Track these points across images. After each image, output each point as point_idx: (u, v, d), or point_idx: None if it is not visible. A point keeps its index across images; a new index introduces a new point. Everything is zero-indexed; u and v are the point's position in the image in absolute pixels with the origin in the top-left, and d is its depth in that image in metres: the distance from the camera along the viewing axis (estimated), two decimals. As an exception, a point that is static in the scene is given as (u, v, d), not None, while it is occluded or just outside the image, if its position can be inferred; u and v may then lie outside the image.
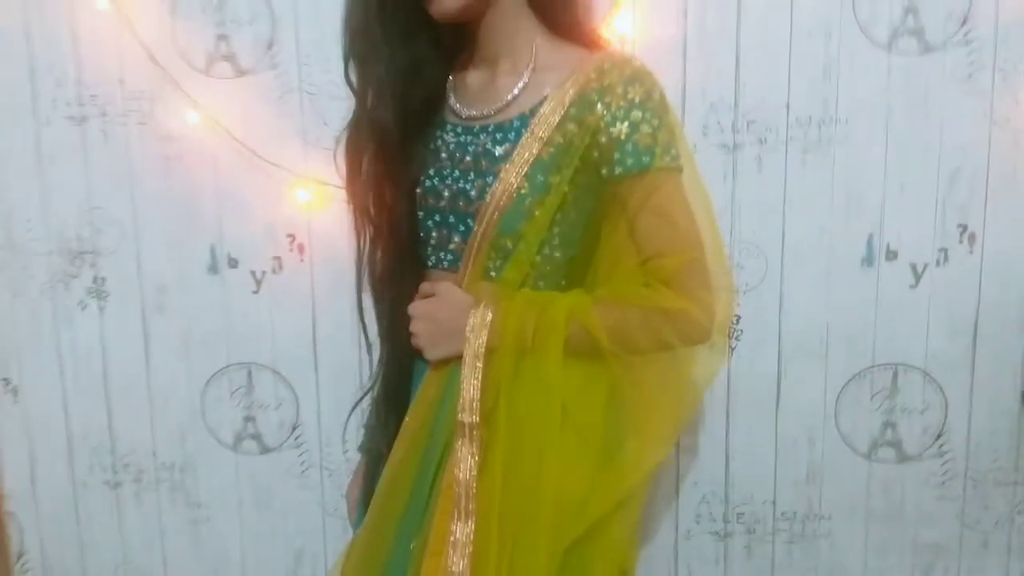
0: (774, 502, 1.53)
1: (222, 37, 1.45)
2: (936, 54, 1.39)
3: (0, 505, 1.65)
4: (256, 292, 1.53)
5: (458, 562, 1.00)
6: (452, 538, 1.01)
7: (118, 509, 1.63)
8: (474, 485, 1.01)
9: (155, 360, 1.57)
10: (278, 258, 1.51)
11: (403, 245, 1.13)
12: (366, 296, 1.18)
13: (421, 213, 1.12)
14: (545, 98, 1.03)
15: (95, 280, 1.54)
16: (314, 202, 1.45)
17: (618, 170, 1.00)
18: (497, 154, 1.04)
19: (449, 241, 1.09)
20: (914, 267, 1.45)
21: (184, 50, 1.45)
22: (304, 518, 1.59)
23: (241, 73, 1.45)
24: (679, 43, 1.40)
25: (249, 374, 1.56)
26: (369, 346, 1.21)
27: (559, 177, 1.02)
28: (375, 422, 1.23)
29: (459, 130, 1.10)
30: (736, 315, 1.48)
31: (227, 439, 1.59)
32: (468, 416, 1.01)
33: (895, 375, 1.49)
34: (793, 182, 1.44)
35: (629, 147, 0.99)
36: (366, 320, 1.19)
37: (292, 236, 1.50)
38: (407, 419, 1.11)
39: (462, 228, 1.07)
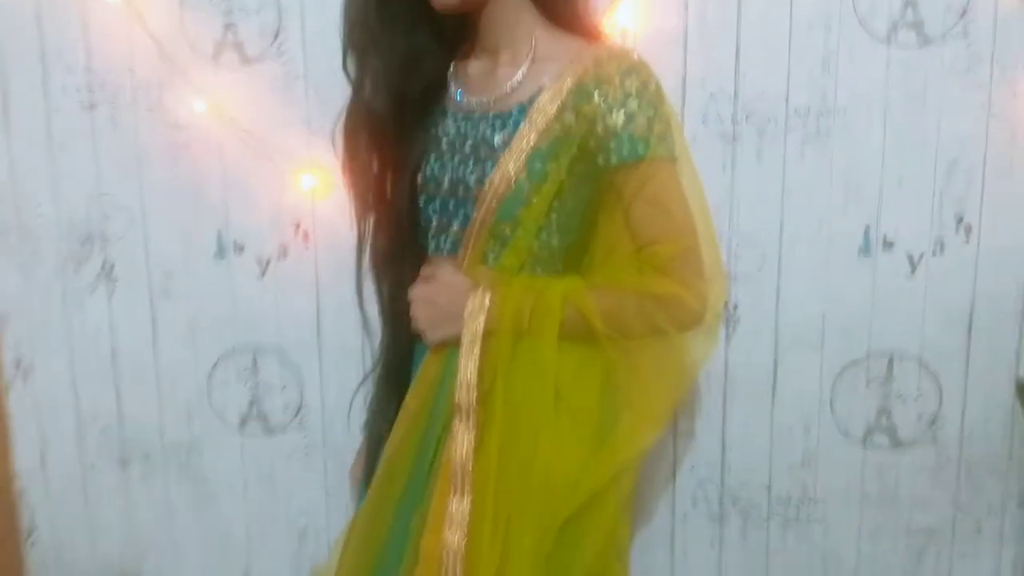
0: (769, 487, 1.56)
1: (229, 26, 1.47)
2: (935, 47, 1.40)
3: (11, 483, 1.69)
4: (261, 277, 1.55)
5: (454, 537, 1.03)
6: (448, 514, 1.04)
7: (126, 488, 1.66)
8: (470, 463, 1.04)
9: (163, 343, 1.60)
10: (283, 244, 1.54)
11: (403, 231, 1.16)
12: (367, 281, 1.21)
13: (422, 200, 1.14)
14: (543, 88, 1.05)
15: (104, 264, 1.57)
16: (319, 189, 1.48)
17: (614, 159, 1.02)
18: (496, 142, 1.07)
19: (449, 227, 1.12)
20: (911, 257, 1.47)
21: (192, 39, 1.47)
22: (308, 498, 1.63)
23: (248, 62, 1.48)
24: (680, 35, 1.42)
25: (254, 357, 1.59)
26: (369, 330, 1.23)
27: (556, 165, 1.04)
28: (376, 403, 1.25)
29: (459, 118, 1.12)
30: (734, 303, 1.50)
31: (233, 420, 1.62)
32: (465, 397, 1.04)
33: (890, 363, 1.51)
34: (792, 173, 1.46)
35: (625, 137, 1.01)
36: (366, 305, 1.22)
37: (297, 223, 1.52)
38: (407, 400, 1.13)
39: (461, 215, 1.10)
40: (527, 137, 1.04)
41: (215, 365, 1.60)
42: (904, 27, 1.40)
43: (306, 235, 1.53)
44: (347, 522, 1.24)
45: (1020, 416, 1.50)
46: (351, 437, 1.52)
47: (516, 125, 1.05)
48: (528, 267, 1.09)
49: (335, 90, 1.32)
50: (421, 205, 1.14)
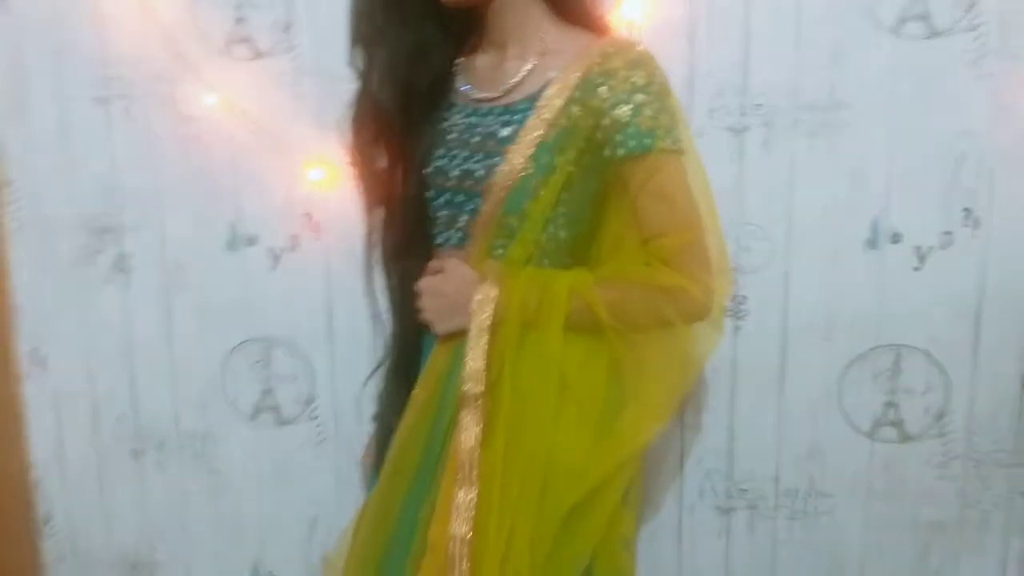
0: (776, 479, 1.56)
1: (240, 20, 1.49)
2: (943, 39, 1.40)
3: (27, 472, 1.71)
4: (273, 269, 1.57)
5: (460, 526, 1.04)
6: (455, 503, 1.05)
7: (140, 477, 1.69)
8: (477, 453, 1.05)
9: (177, 333, 1.62)
10: (295, 236, 1.55)
11: (412, 224, 1.17)
12: (376, 273, 1.22)
13: (430, 192, 1.15)
14: (551, 81, 1.06)
15: (119, 256, 1.60)
16: (329, 181, 1.49)
17: (620, 152, 1.03)
18: (504, 135, 1.07)
19: (457, 220, 1.13)
20: (918, 250, 1.47)
21: (204, 33, 1.49)
22: (318, 488, 1.65)
23: (259, 55, 1.49)
24: (687, 27, 1.42)
25: (267, 348, 1.61)
26: (379, 322, 1.25)
27: (563, 158, 1.05)
28: (386, 394, 1.27)
29: (467, 112, 1.13)
30: (741, 296, 1.50)
31: (246, 411, 1.64)
32: (473, 386, 1.05)
33: (898, 356, 1.51)
34: (799, 165, 1.46)
35: (631, 129, 1.02)
36: (376, 297, 1.23)
37: (308, 214, 1.54)
38: (416, 391, 1.15)
39: (470, 207, 1.11)
40: (534, 130, 1.05)
41: (228, 356, 1.62)
42: (912, 19, 1.40)
43: (317, 227, 1.54)
44: (357, 511, 1.25)
45: (1028, 409, 1.50)
46: (362, 428, 1.54)
47: (523, 119, 1.06)
48: (535, 260, 1.10)
49: (345, 83, 1.33)
50: (429, 198, 1.15)
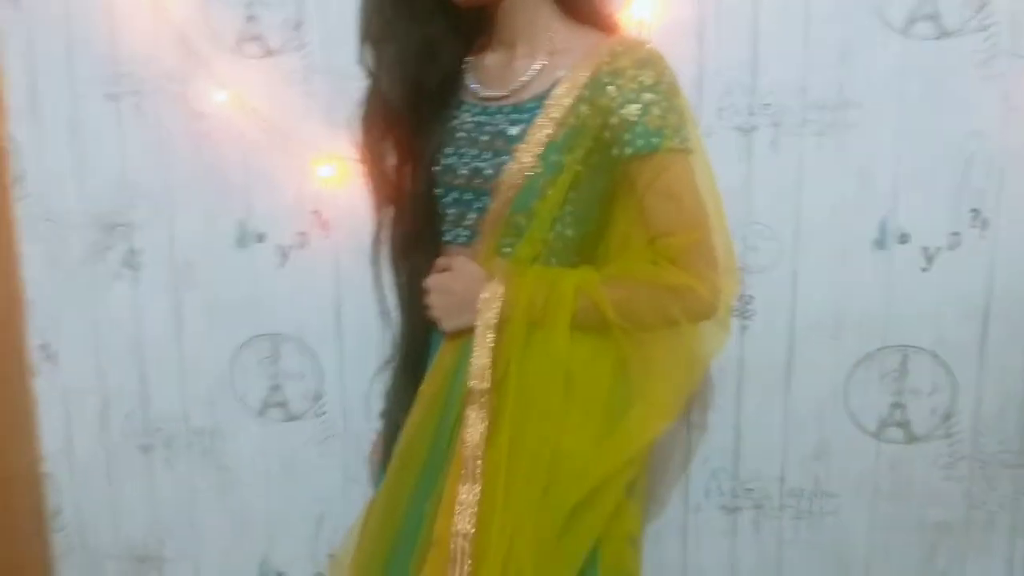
0: (782, 479, 1.56)
1: (251, 18, 1.50)
2: (952, 39, 1.40)
3: (37, 466, 1.73)
4: (282, 266, 1.58)
5: (464, 522, 1.05)
6: (459, 499, 1.05)
7: (149, 471, 1.70)
8: (482, 449, 1.05)
9: (186, 330, 1.63)
10: (303, 233, 1.56)
11: (420, 221, 1.17)
12: (385, 270, 1.23)
13: (439, 190, 1.15)
14: (559, 80, 1.06)
15: (129, 252, 1.61)
16: (338, 179, 1.50)
17: (628, 151, 1.03)
18: (512, 134, 1.08)
19: (465, 218, 1.13)
20: (926, 251, 1.47)
21: (215, 30, 1.50)
22: (326, 484, 1.65)
23: (269, 53, 1.50)
24: (696, 26, 1.43)
25: (275, 345, 1.62)
26: (387, 319, 1.25)
27: (571, 157, 1.05)
28: (394, 391, 1.27)
29: (476, 110, 1.13)
30: (749, 295, 1.50)
31: (254, 407, 1.65)
32: (479, 383, 1.06)
33: (905, 357, 1.51)
34: (807, 165, 1.46)
35: (639, 128, 1.02)
36: (385, 293, 1.24)
37: (317, 211, 1.55)
38: (424, 386, 1.15)
39: (478, 205, 1.11)
40: (543, 129, 1.05)
41: (237, 352, 1.63)
42: (922, 19, 1.40)
43: (326, 224, 1.55)
44: (364, 508, 1.26)
45: (1035, 411, 1.50)
46: (369, 424, 1.55)
47: (532, 117, 1.06)
48: (543, 258, 1.10)
49: (355, 81, 1.34)
50: (438, 196, 1.16)
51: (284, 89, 1.50)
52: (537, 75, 1.09)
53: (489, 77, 1.14)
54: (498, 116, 1.10)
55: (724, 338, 1.17)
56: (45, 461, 1.73)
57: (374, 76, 1.14)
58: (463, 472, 1.06)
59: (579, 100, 1.04)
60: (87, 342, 1.66)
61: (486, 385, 1.06)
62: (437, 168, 1.15)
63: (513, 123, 1.08)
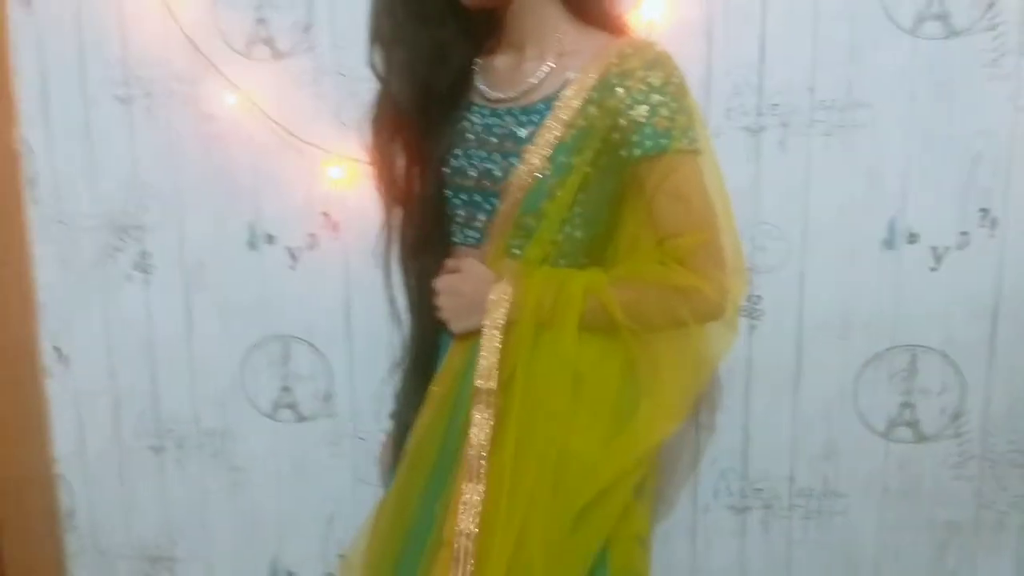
0: (791, 479, 1.57)
1: (261, 21, 1.50)
2: (961, 38, 1.40)
3: (50, 468, 1.74)
4: (292, 267, 1.59)
5: (468, 522, 1.05)
6: (463, 499, 1.06)
7: (161, 472, 1.71)
8: (487, 449, 1.06)
9: (197, 331, 1.64)
10: (313, 235, 1.57)
11: (430, 223, 1.18)
12: (394, 272, 1.23)
13: (448, 192, 1.16)
14: (568, 82, 1.06)
15: (140, 254, 1.62)
16: (348, 180, 1.51)
17: (637, 152, 1.03)
18: (522, 136, 1.08)
19: (474, 219, 1.14)
20: (935, 250, 1.47)
21: (224, 33, 1.51)
22: (336, 484, 1.66)
23: (279, 56, 1.51)
24: (704, 26, 1.43)
25: (285, 346, 1.63)
26: (399, 320, 1.26)
27: (580, 159, 1.06)
28: (404, 392, 1.28)
29: (485, 112, 1.14)
30: (757, 295, 1.51)
31: (265, 408, 1.66)
32: (485, 383, 1.06)
33: (914, 357, 1.51)
34: (816, 165, 1.46)
35: (648, 130, 1.02)
36: (394, 294, 1.24)
37: (327, 213, 1.55)
38: (433, 387, 1.16)
39: (487, 207, 1.12)
40: (552, 131, 1.06)
41: (247, 354, 1.64)
42: (930, 19, 1.40)
43: (335, 226, 1.56)
44: (374, 508, 1.27)
45: (1045, 410, 1.50)
46: (379, 425, 1.55)
47: (541, 119, 1.07)
48: (552, 259, 1.11)
49: (364, 83, 1.35)
50: (447, 197, 1.16)
51: (294, 91, 1.51)
52: (546, 77, 1.09)
53: (498, 79, 1.15)
54: (507, 118, 1.11)
55: (732, 339, 1.17)
56: (58, 462, 1.74)
57: (384, 78, 1.14)
58: (468, 472, 1.06)
59: (588, 102, 1.05)
60: (99, 344, 1.67)
61: (492, 385, 1.06)
62: (446, 170, 1.15)
63: (522, 125, 1.09)
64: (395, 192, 1.19)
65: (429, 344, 1.22)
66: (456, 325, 1.13)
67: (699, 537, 1.61)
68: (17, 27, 1.56)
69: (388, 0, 1.11)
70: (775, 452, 1.56)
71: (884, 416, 1.53)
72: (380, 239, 1.22)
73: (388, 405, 1.35)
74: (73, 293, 1.65)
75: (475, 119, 1.14)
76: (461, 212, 1.15)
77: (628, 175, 1.07)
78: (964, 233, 1.45)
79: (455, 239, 1.18)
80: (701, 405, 1.55)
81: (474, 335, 1.11)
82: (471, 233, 1.15)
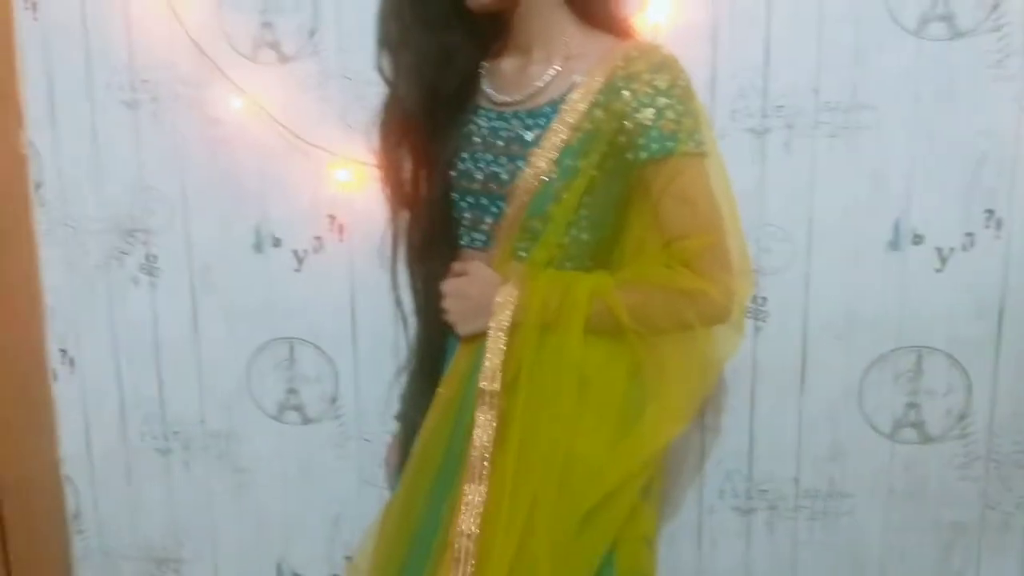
0: (797, 480, 1.57)
1: (266, 24, 1.51)
2: (966, 39, 1.40)
3: (57, 469, 1.74)
4: (298, 270, 1.59)
5: (469, 523, 1.06)
6: (465, 500, 1.06)
7: (168, 474, 1.71)
8: (490, 450, 1.06)
9: (203, 334, 1.64)
10: (319, 237, 1.57)
11: (437, 225, 1.18)
12: (401, 274, 1.23)
13: (455, 195, 1.16)
14: (575, 85, 1.07)
15: (147, 257, 1.62)
16: (354, 184, 1.51)
17: (643, 155, 1.04)
18: (528, 139, 1.08)
19: (481, 222, 1.14)
20: (940, 251, 1.47)
21: (230, 37, 1.51)
22: (342, 486, 1.66)
23: (284, 59, 1.51)
24: (709, 28, 1.43)
25: (291, 348, 1.63)
26: (405, 322, 1.26)
27: (587, 162, 1.06)
28: (410, 393, 1.28)
29: (492, 115, 1.14)
30: (763, 296, 1.51)
31: (271, 410, 1.66)
32: (489, 384, 1.06)
33: (919, 357, 1.51)
34: (821, 167, 1.46)
35: (654, 133, 1.03)
36: (401, 297, 1.25)
37: (332, 216, 1.56)
38: (440, 389, 1.16)
39: (494, 210, 1.12)
40: (558, 134, 1.06)
41: (253, 356, 1.64)
42: (935, 20, 1.40)
43: (341, 229, 1.56)
44: (380, 510, 1.27)
45: (1051, 411, 1.50)
46: (384, 427, 1.56)
47: (547, 122, 1.07)
48: (558, 262, 1.11)
49: (370, 87, 1.35)
50: (454, 200, 1.17)
51: (299, 95, 1.51)
52: (552, 80, 1.09)
53: (505, 82, 1.15)
54: (514, 121, 1.11)
55: (738, 341, 1.17)
56: (64, 464, 1.75)
57: (391, 82, 1.14)
58: (470, 474, 1.07)
59: (594, 105, 1.05)
60: (105, 346, 1.67)
61: (496, 387, 1.06)
62: (453, 173, 1.16)
63: (528, 128, 1.09)
64: (402, 195, 1.19)
65: (436, 347, 1.23)
66: (462, 328, 1.13)
67: (704, 538, 1.61)
68: (24, 31, 1.57)
69: (396, 5, 1.11)
70: (780, 453, 1.57)
71: (889, 417, 1.53)
72: (387, 242, 1.22)
73: (394, 406, 1.36)
74: (80, 296, 1.66)
75: (481, 122, 1.15)
76: (468, 215, 1.16)
77: (634, 178, 1.07)
78: (969, 234, 1.46)
79: (462, 242, 1.18)
80: (706, 407, 1.55)
81: (480, 337, 1.11)
82: (478, 236, 1.15)
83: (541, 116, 1.08)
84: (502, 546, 1.04)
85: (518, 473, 1.06)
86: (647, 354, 1.08)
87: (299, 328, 1.62)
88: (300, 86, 1.51)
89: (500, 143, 1.11)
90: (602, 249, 1.14)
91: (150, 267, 1.63)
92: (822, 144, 1.45)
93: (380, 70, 1.15)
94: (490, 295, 1.09)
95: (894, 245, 1.47)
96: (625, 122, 1.04)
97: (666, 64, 1.05)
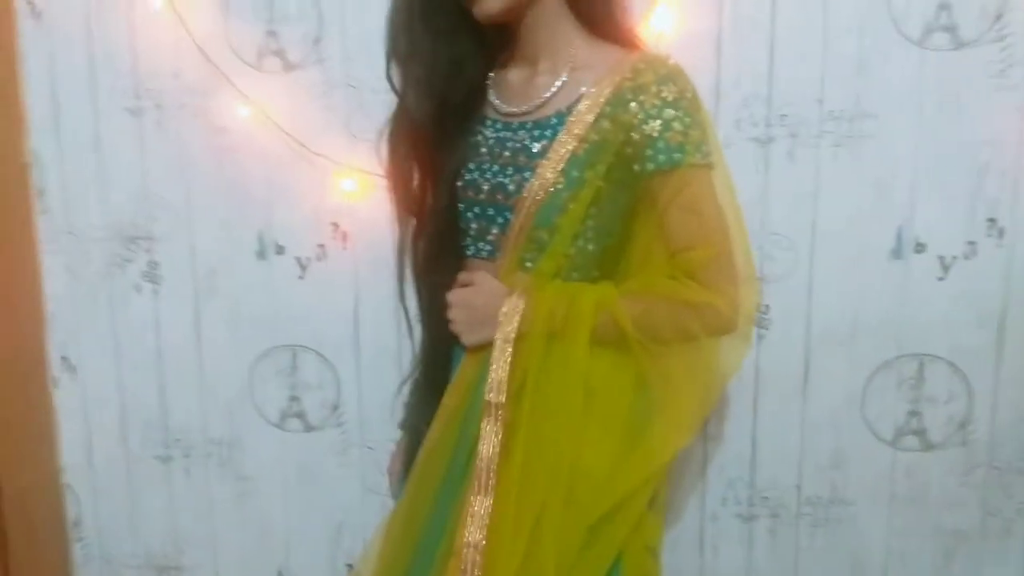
0: (799, 487, 1.57)
1: (271, 33, 1.51)
2: (969, 50, 1.41)
3: (57, 477, 1.74)
4: (301, 278, 1.59)
5: (475, 534, 1.06)
6: (472, 511, 1.06)
7: (169, 482, 1.71)
8: (495, 462, 1.06)
9: (205, 341, 1.64)
10: (322, 245, 1.57)
11: (443, 235, 1.18)
12: (407, 284, 1.23)
13: (461, 205, 1.16)
14: (582, 96, 1.07)
15: (149, 264, 1.62)
16: (358, 192, 1.51)
17: (650, 166, 1.04)
18: (535, 150, 1.08)
19: (487, 232, 1.14)
20: (942, 260, 1.47)
21: (235, 46, 1.51)
22: (344, 494, 1.66)
23: (289, 68, 1.51)
24: (714, 38, 1.43)
25: (294, 356, 1.63)
26: (411, 331, 1.26)
27: (593, 172, 1.06)
28: (415, 402, 1.28)
29: (499, 126, 1.14)
30: (765, 304, 1.51)
31: (273, 417, 1.66)
32: (495, 396, 1.06)
33: (921, 365, 1.51)
34: (824, 175, 1.46)
35: (661, 144, 1.03)
36: (407, 306, 1.25)
37: (336, 224, 1.56)
38: (445, 399, 1.16)
39: (500, 220, 1.12)
40: (565, 145, 1.06)
41: (255, 363, 1.64)
42: (938, 30, 1.41)
43: (345, 237, 1.56)
44: (382, 518, 1.26)
45: (1052, 419, 1.50)
46: (387, 435, 1.56)
47: (554, 133, 1.07)
48: (564, 273, 1.11)
49: (374, 95, 1.36)
50: (461, 211, 1.16)
51: (304, 103, 1.51)
52: (559, 91, 1.10)
53: (511, 93, 1.15)
54: (520, 132, 1.11)
55: (745, 351, 1.18)
56: (65, 472, 1.74)
57: (400, 93, 1.14)
58: (476, 484, 1.07)
59: (601, 116, 1.05)
60: (107, 354, 1.67)
61: (501, 398, 1.06)
62: (460, 183, 1.16)
63: (535, 139, 1.09)
64: (409, 205, 1.19)
65: (441, 356, 1.22)
66: (468, 338, 1.13)
67: (707, 545, 1.61)
68: (27, 38, 1.57)
69: (405, 17, 1.11)
70: (783, 460, 1.57)
71: (891, 424, 1.54)
72: (394, 252, 1.22)
73: (396, 414, 1.36)
74: (82, 303, 1.65)
75: (488, 133, 1.15)
76: (474, 225, 1.16)
77: (641, 189, 1.07)
78: (971, 242, 1.46)
79: (468, 252, 1.18)
80: (710, 415, 1.55)
81: (486, 348, 1.10)
82: (484, 246, 1.15)
83: (548, 127, 1.09)
84: (508, 557, 1.04)
85: (524, 484, 1.05)
86: (652, 365, 1.08)
87: (302, 335, 1.62)
88: (305, 94, 1.51)
89: (507, 154, 1.11)
90: (608, 260, 1.14)
91: (152, 274, 1.62)
92: (826, 153, 1.46)
93: (389, 80, 1.15)
94: (496, 305, 1.09)
95: (897, 253, 1.48)
96: (632, 133, 1.04)
97: (673, 75, 1.05)
